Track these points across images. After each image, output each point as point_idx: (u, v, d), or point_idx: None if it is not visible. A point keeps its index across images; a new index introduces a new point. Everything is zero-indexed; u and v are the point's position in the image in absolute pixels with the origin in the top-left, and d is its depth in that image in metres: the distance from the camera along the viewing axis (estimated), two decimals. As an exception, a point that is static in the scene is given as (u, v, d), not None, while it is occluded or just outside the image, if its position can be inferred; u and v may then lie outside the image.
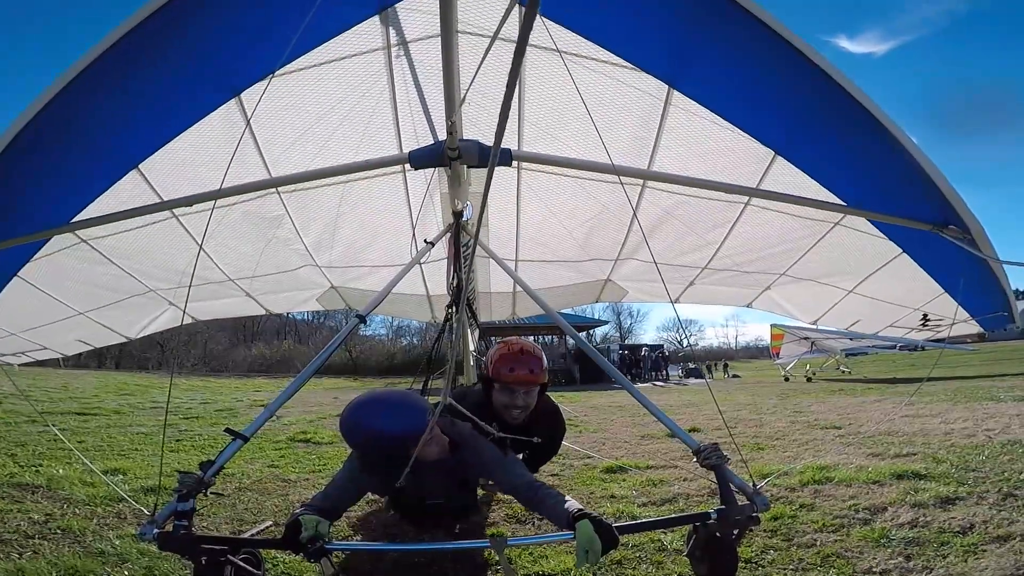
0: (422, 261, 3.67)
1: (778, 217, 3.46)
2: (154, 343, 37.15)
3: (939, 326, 3.95)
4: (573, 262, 4.66)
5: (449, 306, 3.91)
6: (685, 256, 4.18)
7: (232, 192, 3.06)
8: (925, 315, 3.87)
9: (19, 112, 2.16)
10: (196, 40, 2.30)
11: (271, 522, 3.13)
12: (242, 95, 2.68)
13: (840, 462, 4.27)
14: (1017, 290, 3.16)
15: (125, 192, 2.93)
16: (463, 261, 3.62)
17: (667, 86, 2.70)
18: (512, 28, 2.13)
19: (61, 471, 4.20)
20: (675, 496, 3.62)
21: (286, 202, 3.67)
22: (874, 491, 3.44)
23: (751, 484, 2.24)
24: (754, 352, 73.30)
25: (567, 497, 2.18)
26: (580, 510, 2.02)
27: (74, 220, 2.94)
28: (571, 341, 28.36)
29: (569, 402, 11.54)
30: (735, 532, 2.18)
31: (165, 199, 3.03)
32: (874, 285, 3.85)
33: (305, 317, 57.67)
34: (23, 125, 2.16)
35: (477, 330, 5.32)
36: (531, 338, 18.75)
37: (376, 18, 2.54)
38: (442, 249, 4.05)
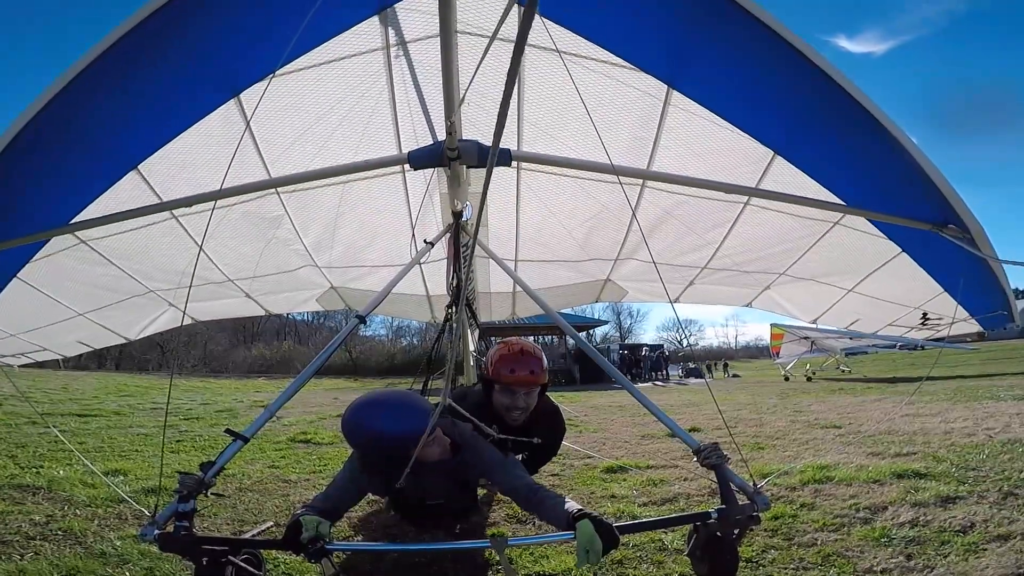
0: (422, 261, 3.67)
1: (778, 217, 3.47)
2: (154, 344, 37.15)
3: (939, 325, 3.95)
4: (573, 262, 4.66)
5: (449, 306, 3.92)
6: (685, 256, 4.18)
7: (232, 192, 3.06)
8: (925, 314, 3.87)
9: (19, 112, 2.16)
10: (196, 40, 2.30)
11: (272, 523, 3.13)
12: (241, 95, 2.68)
13: (840, 461, 4.27)
14: (1017, 289, 3.17)
15: (124, 193, 2.93)
16: (463, 261, 3.62)
17: (666, 86, 2.70)
18: (511, 28, 2.13)
19: (62, 472, 4.20)
20: (675, 496, 3.62)
21: (286, 202, 3.67)
22: (874, 490, 3.44)
23: (751, 484, 2.24)
24: (754, 352, 73.31)
25: (567, 499, 2.18)
26: (580, 510, 2.01)
27: (73, 221, 2.93)
28: (571, 341, 28.38)
29: (569, 402, 11.54)
30: (736, 532, 2.18)
31: (164, 200, 3.03)
32: (874, 284, 3.85)
33: (305, 318, 57.75)
34: (23, 125, 2.16)
35: (477, 330, 5.32)
36: (531, 338, 18.79)
37: (375, 18, 2.54)
38: (442, 249, 4.05)
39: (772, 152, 2.88)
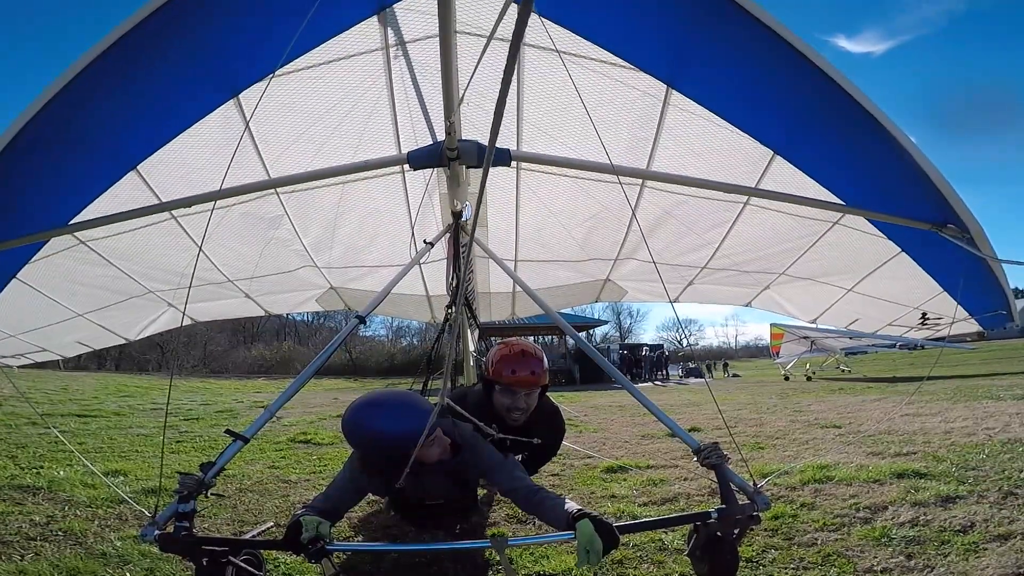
0: (421, 261, 3.67)
1: (777, 216, 3.46)
2: (154, 344, 37.14)
3: (938, 325, 3.95)
4: (572, 262, 4.66)
5: (449, 306, 3.91)
6: (684, 256, 4.18)
7: (231, 193, 3.06)
8: (924, 314, 3.87)
9: (19, 112, 2.16)
10: (196, 40, 2.30)
11: (272, 523, 3.13)
12: (241, 96, 2.68)
13: (840, 461, 4.28)
14: (1016, 289, 3.17)
15: (124, 193, 2.92)
16: (462, 261, 3.62)
17: (666, 86, 2.70)
18: (509, 28, 2.14)
19: (62, 473, 4.20)
20: (676, 495, 3.62)
21: (285, 203, 3.67)
22: (874, 490, 3.44)
23: (752, 483, 2.23)
24: (754, 351, 73.38)
25: (567, 499, 2.18)
26: (580, 510, 2.01)
27: (73, 222, 2.93)
28: (571, 341, 28.38)
29: (569, 402, 11.54)
30: (736, 531, 2.18)
31: (164, 200, 3.03)
32: (873, 284, 3.85)
33: (305, 318, 57.71)
34: (23, 125, 2.16)
35: (477, 330, 5.32)
36: (531, 338, 18.76)
37: (374, 19, 2.54)
38: (442, 249, 4.05)
39: (772, 152, 2.88)
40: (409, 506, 2.75)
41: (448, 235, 3.80)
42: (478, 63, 2.16)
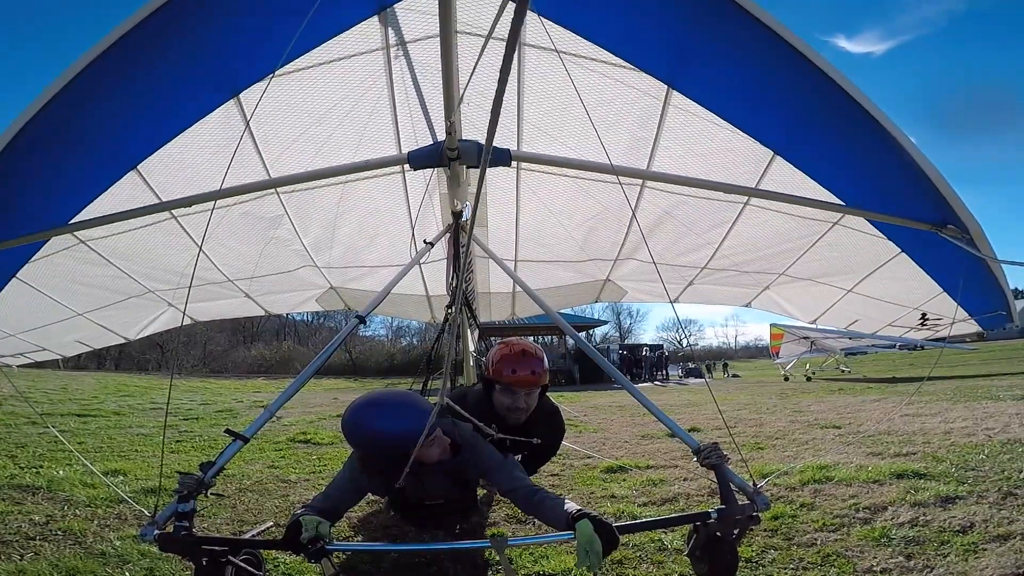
0: (421, 261, 3.67)
1: (777, 217, 3.47)
2: (153, 344, 37.14)
3: (938, 325, 3.95)
4: (572, 262, 4.67)
5: (448, 306, 3.91)
6: (684, 256, 4.18)
7: (231, 193, 3.06)
8: (924, 314, 3.88)
9: (19, 112, 2.16)
10: (196, 40, 2.30)
11: (272, 523, 3.12)
12: (241, 95, 2.68)
13: (840, 461, 4.28)
14: (1016, 289, 3.17)
15: (124, 193, 2.93)
16: (462, 261, 3.62)
17: (666, 86, 2.70)
18: (508, 27, 2.14)
19: (61, 472, 4.20)
20: (675, 496, 3.62)
21: (285, 203, 3.67)
22: (874, 490, 3.44)
23: (751, 483, 2.23)
24: (753, 352, 73.41)
25: (566, 499, 2.18)
26: (580, 510, 2.01)
27: (73, 221, 2.93)
28: (571, 341, 28.38)
29: (569, 402, 11.55)
30: (735, 531, 2.18)
31: (164, 200, 3.03)
32: (873, 285, 3.86)
33: (304, 318, 57.67)
34: (22, 125, 2.16)
35: (477, 330, 5.32)
36: (531, 338, 18.78)
37: (375, 18, 2.54)
38: (441, 249, 4.05)
39: (772, 152, 2.88)
40: (409, 506, 2.75)
41: (448, 235, 3.80)
42: (477, 63, 2.16)
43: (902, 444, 4.84)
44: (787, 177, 2.94)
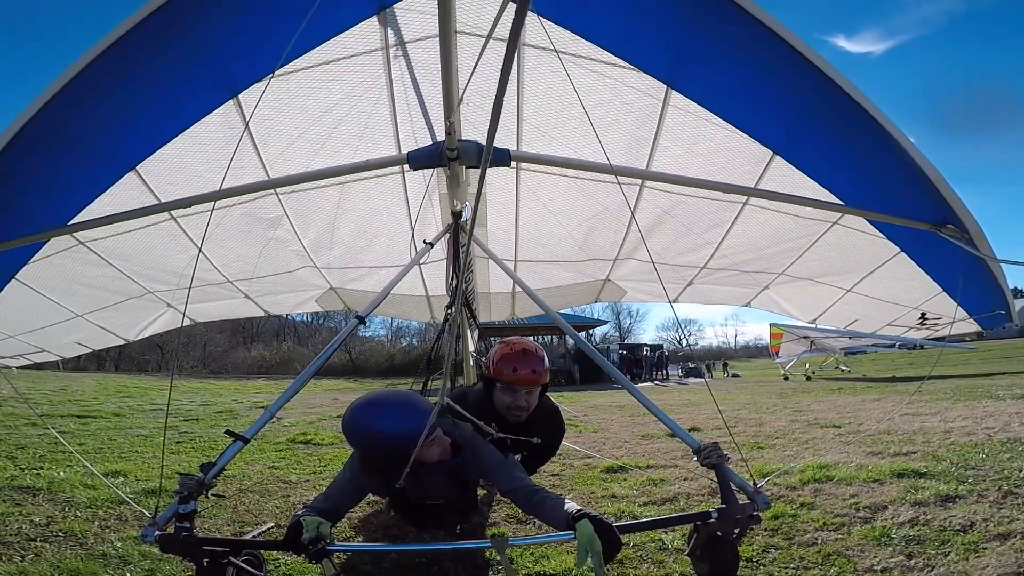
0: (421, 262, 3.67)
1: (776, 217, 3.47)
2: (153, 345, 37.14)
3: (937, 325, 3.95)
4: (572, 262, 4.67)
5: (448, 306, 3.91)
6: (683, 256, 4.18)
7: (230, 193, 3.05)
8: (923, 314, 3.88)
9: (19, 112, 2.16)
10: (195, 40, 2.30)
11: (272, 523, 3.12)
12: (240, 96, 2.68)
13: (840, 461, 4.28)
14: (1015, 289, 3.18)
15: (123, 193, 2.92)
16: (462, 261, 3.62)
17: (665, 86, 2.70)
18: (509, 27, 2.14)
19: (62, 474, 4.19)
20: (676, 495, 3.62)
21: (284, 203, 3.67)
22: (874, 490, 3.44)
23: (752, 483, 2.24)
24: (753, 351, 73.44)
25: (567, 499, 2.18)
26: (580, 510, 2.01)
27: (72, 222, 2.93)
28: (571, 341, 28.38)
29: (569, 402, 11.54)
30: (736, 531, 2.18)
31: (163, 200, 3.03)
32: (872, 284, 3.86)
33: (304, 318, 57.65)
34: (22, 125, 2.15)
35: (477, 330, 5.32)
36: (531, 338, 18.76)
37: (374, 19, 2.54)
38: (441, 250, 4.05)
39: (771, 152, 2.88)
40: (409, 506, 2.75)
41: (448, 235, 3.80)
42: (477, 63, 2.16)
43: (902, 443, 4.85)
44: (786, 177, 2.94)
